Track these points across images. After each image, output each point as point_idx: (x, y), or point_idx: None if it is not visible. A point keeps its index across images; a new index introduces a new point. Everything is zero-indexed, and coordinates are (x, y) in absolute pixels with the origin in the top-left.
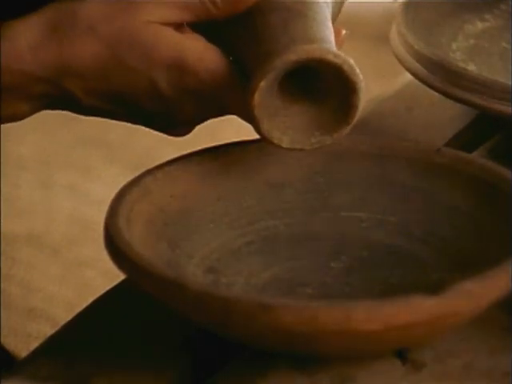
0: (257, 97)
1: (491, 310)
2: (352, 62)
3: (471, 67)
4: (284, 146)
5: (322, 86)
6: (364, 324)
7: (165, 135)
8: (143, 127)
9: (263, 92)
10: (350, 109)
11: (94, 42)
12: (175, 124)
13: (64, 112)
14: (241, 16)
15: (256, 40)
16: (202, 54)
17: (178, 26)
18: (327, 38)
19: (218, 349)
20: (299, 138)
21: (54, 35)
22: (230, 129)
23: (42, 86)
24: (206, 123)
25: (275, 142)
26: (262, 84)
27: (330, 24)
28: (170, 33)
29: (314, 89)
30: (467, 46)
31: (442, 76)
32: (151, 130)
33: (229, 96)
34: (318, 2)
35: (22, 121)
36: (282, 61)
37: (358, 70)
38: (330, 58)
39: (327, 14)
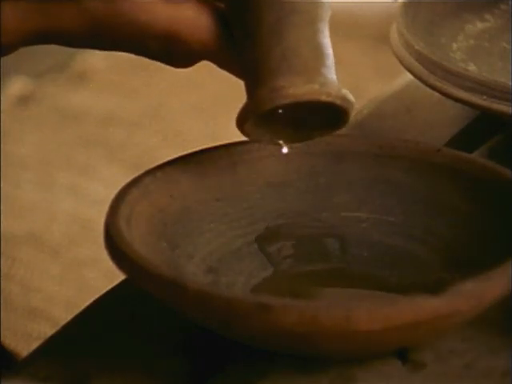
0: (246, 128)
1: (491, 310)
2: (344, 91)
3: (471, 67)
4: (274, 144)
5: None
6: (364, 324)
7: (165, 136)
8: (144, 129)
9: (251, 123)
10: (339, 120)
11: (80, 14)
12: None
13: (64, 112)
14: None
15: (247, 35)
16: (194, 25)
17: None
18: (322, 48)
19: (218, 349)
20: (289, 137)
21: (39, 9)
22: (230, 129)
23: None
24: (205, 124)
25: (265, 142)
26: (250, 121)
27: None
28: (161, 8)
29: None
30: (467, 46)
31: (441, 76)
32: (151, 131)
33: (219, 60)
34: None
35: (22, 121)
36: (272, 104)
37: (349, 97)
38: (322, 98)
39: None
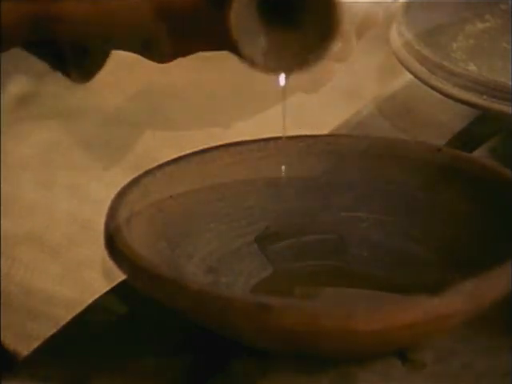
0: (232, 18)
1: (491, 310)
2: None
3: (471, 67)
4: (270, 70)
5: (301, 6)
6: (364, 324)
7: (165, 136)
8: (144, 129)
9: (238, 13)
10: (332, 25)
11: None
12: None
13: (64, 112)
14: None
15: None
16: None
17: None
18: None
19: (218, 349)
20: (284, 60)
21: None
22: (230, 129)
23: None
24: (205, 124)
25: (260, 67)
26: (236, 4)
27: None
28: None
29: (293, 10)
30: (467, 46)
31: (442, 76)
32: (151, 131)
33: (209, 27)
34: None
35: (22, 121)
36: None
37: None
38: None
39: None
